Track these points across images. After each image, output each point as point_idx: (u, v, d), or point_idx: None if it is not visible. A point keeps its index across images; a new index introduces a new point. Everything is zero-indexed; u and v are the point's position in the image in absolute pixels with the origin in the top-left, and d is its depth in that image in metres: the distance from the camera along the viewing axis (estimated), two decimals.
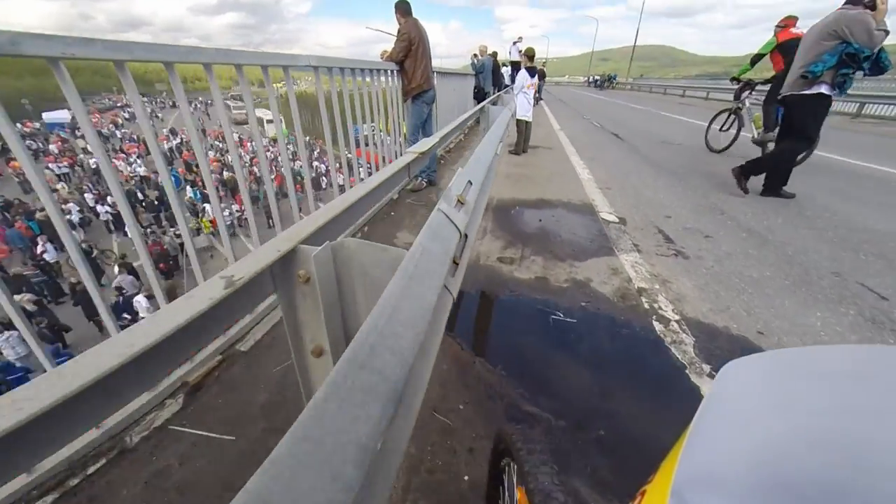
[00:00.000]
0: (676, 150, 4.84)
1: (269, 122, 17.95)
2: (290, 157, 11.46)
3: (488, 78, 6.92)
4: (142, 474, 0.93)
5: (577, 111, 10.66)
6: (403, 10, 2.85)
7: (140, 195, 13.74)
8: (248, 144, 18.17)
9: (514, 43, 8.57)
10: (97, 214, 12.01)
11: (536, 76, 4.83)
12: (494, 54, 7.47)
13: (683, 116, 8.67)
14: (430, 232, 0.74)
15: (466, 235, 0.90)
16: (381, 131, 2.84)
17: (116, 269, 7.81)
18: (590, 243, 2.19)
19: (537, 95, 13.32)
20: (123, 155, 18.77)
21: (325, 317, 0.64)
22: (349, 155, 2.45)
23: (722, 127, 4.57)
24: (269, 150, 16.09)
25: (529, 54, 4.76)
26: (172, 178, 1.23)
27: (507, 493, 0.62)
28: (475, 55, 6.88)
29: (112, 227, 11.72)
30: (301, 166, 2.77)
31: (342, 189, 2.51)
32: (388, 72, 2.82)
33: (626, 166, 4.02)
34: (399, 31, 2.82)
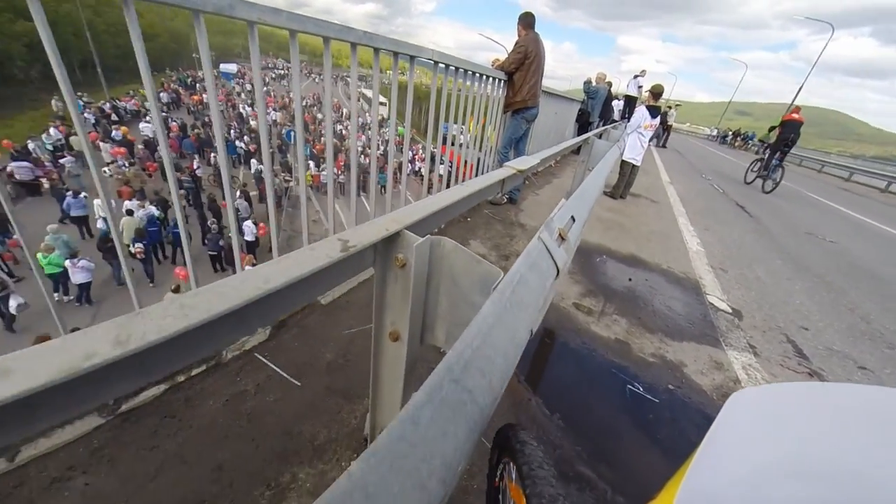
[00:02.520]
0: (829, 250, 3.85)
1: (382, 104, 20.43)
2: (386, 139, 12.79)
3: (598, 107, 6.62)
4: (226, 391, 1.10)
5: (695, 167, 9.39)
6: (526, 22, 2.88)
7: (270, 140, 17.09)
8: (360, 120, 21.11)
9: (636, 76, 8.04)
10: (235, 148, 15.11)
11: (658, 118, 4.42)
12: (609, 84, 7.12)
13: (846, 208, 6.82)
14: (529, 260, 0.70)
15: (557, 276, 0.84)
16: (469, 134, 2.91)
17: (238, 192, 9.86)
18: (689, 325, 1.92)
19: (663, 145, 12.36)
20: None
21: (411, 306, 0.65)
22: (433, 150, 2.57)
23: None
24: (369, 130, 18.25)
25: (656, 92, 4.39)
26: (291, 133, 1.45)
27: (507, 494, 0.61)
28: (589, 80, 6.65)
29: (242, 161, 14.76)
30: (391, 148, 3.03)
31: (430, 182, 2.66)
32: (496, 80, 2.88)
33: (752, 250, 3.37)
34: (516, 43, 2.86)
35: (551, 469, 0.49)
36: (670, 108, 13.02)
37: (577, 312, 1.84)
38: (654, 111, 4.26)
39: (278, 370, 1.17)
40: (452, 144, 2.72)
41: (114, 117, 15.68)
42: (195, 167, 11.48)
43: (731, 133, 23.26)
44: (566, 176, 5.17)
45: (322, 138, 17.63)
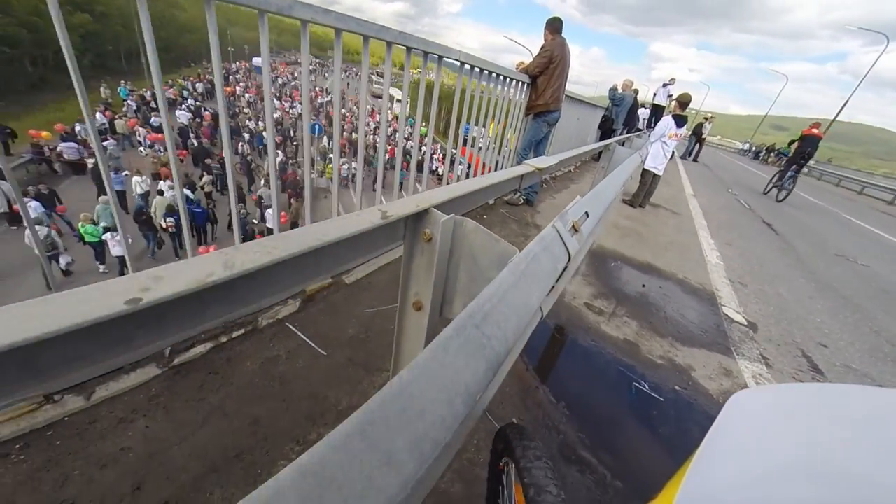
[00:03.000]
0: (859, 273, 3.68)
1: (398, 101, 20.80)
2: (406, 136, 12.99)
3: (622, 115, 6.51)
4: (261, 354, 1.22)
5: (722, 181, 9.08)
6: (553, 27, 2.91)
7: (291, 132, 17.59)
8: (377, 116, 21.53)
9: (665, 85, 7.82)
10: (263, 139, 15.80)
11: (684, 128, 4.33)
12: (636, 92, 6.99)
13: (884, 232, 6.40)
14: (542, 243, 0.76)
15: (569, 262, 0.90)
16: (489, 137, 2.96)
17: (262, 182, 10.38)
18: (701, 333, 1.92)
19: (694, 159, 11.73)
20: (290, 98, 24.24)
21: (434, 279, 0.73)
22: (454, 151, 2.64)
23: None
24: (390, 126, 18.55)
25: (683, 101, 4.31)
26: (316, 126, 1.57)
27: (506, 493, 0.63)
28: (615, 87, 6.55)
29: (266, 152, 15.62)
30: (412, 146, 3.13)
31: (440, 178, 2.74)
32: (519, 83, 2.91)
33: (775, 267, 3.27)
34: (542, 47, 2.90)
35: (553, 472, 0.50)
36: (706, 119, 12.30)
37: (588, 312, 1.88)
38: (680, 121, 4.19)
39: (307, 339, 1.29)
40: (472, 146, 2.80)
41: (153, 105, 16.64)
42: (223, 154, 12.23)
43: (764, 148, 22.11)
44: (584, 182, 5.14)
45: (345, 133, 18.09)
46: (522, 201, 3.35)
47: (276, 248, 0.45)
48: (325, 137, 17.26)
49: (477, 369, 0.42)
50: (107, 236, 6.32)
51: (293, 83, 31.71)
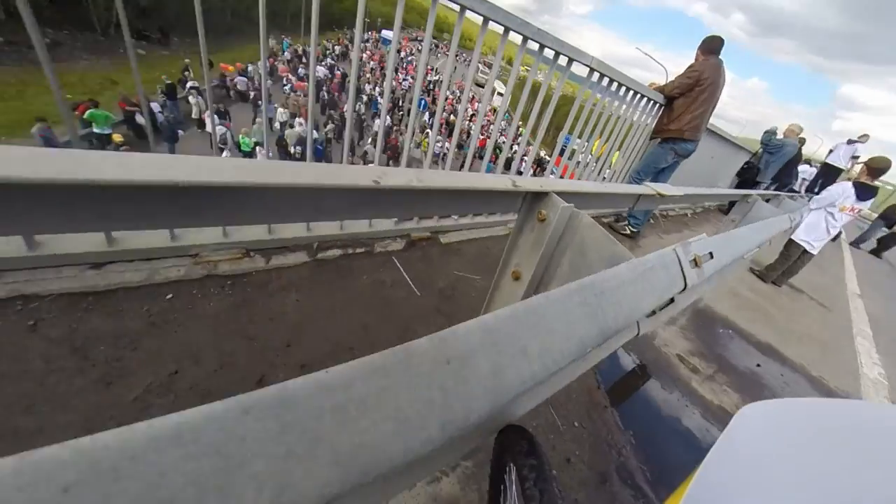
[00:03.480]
0: None
1: (500, 94, 20.78)
2: (500, 130, 13.29)
3: (774, 166, 5.26)
4: (372, 274, 1.48)
5: None
6: (709, 47, 2.52)
7: (400, 102, 19.46)
8: (476, 104, 21.97)
9: (852, 141, 6.07)
10: (377, 104, 17.91)
11: (869, 202, 3.25)
12: (802, 142, 5.56)
13: None
14: (661, 260, 0.74)
15: (674, 298, 0.84)
16: (591, 155, 2.74)
17: (370, 140, 12.80)
18: None
19: (876, 254, 7.83)
20: (404, 71, 26.35)
21: (540, 255, 0.78)
22: (548, 159, 2.53)
23: None
24: (487, 118, 18.98)
25: (877, 166, 3.08)
26: (422, 101, 1.77)
27: (508, 495, 0.64)
28: (773, 130, 5.30)
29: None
30: (504, 141, 3.14)
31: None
32: (650, 104, 2.64)
33: None
34: (690, 67, 2.53)
35: (556, 482, 0.52)
36: None
37: (680, 364, 1.74)
38: (864, 192, 3.08)
39: (406, 277, 1.51)
40: (570, 158, 2.66)
41: (304, 60, 20.05)
42: (344, 109, 14.60)
43: None
44: (701, 232, 4.42)
45: (444, 113, 19.03)
46: (628, 231, 2.97)
47: (421, 180, 0.56)
48: (427, 114, 18.47)
49: (590, 329, 0.46)
50: (257, 149, 8.63)
51: (410, 58, 34.07)
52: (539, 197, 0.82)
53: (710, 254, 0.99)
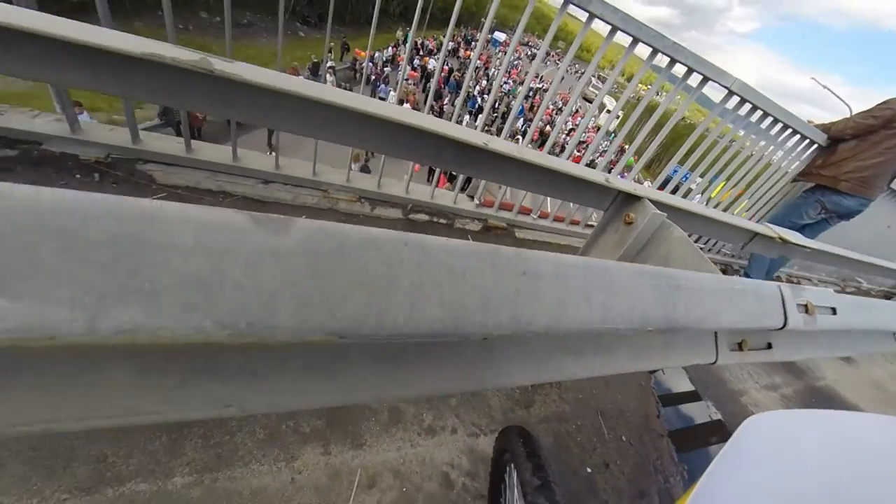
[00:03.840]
0: None
1: (608, 111, 19.03)
2: (600, 150, 12.23)
3: None
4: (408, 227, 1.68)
5: None
6: None
7: (497, 104, 19.95)
8: (578, 119, 20.78)
9: None
10: (476, 102, 18.49)
11: None
12: None
13: None
14: (756, 287, 0.68)
15: (771, 344, 0.75)
16: (710, 199, 2.29)
17: None
18: None
19: None
20: (507, 74, 26.40)
21: (619, 258, 0.80)
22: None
23: None
24: (588, 133, 17.76)
25: None
26: (521, 108, 1.78)
27: (508, 491, 0.67)
28: None
29: (472, 114, 18.49)
30: (598, 162, 2.88)
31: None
32: (803, 142, 2.10)
33: None
34: (882, 104, 1.96)
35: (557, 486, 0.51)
36: None
37: None
38: None
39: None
40: (684, 196, 2.28)
41: (422, 52, 22.15)
42: (445, 102, 15.49)
43: None
44: None
45: (546, 125, 18.60)
46: (742, 275, 2.56)
47: (521, 152, 0.66)
48: (522, 119, 18.27)
49: (656, 311, 0.49)
50: None
51: (517, 62, 33.65)
52: (630, 199, 0.83)
53: (833, 309, 0.84)
